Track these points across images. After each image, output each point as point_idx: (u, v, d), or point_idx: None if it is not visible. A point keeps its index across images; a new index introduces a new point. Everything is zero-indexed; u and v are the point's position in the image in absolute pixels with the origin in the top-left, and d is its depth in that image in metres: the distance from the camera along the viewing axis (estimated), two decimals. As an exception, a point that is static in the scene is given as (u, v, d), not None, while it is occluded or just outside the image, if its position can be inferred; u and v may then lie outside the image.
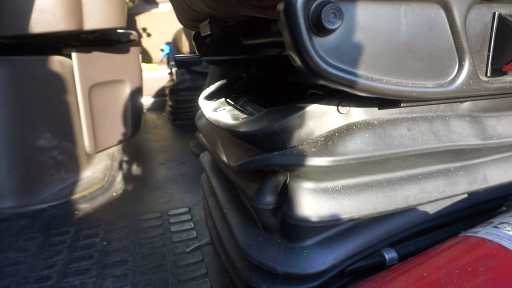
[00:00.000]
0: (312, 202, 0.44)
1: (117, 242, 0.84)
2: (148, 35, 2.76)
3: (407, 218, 0.53)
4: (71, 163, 1.17)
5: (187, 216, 0.95)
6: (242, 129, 0.48)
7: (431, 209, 0.56)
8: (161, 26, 2.74)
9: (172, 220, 0.93)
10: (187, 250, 0.79)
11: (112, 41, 1.35)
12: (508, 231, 0.46)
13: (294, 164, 0.42)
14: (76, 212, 1.01)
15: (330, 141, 0.43)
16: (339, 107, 0.44)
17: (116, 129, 1.39)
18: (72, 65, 1.17)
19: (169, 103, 2.21)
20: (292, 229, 0.47)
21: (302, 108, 0.44)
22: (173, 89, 2.07)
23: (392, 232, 0.52)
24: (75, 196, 1.08)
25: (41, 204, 1.02)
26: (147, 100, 2.61)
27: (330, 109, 0.44)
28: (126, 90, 1.41)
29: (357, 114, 0.45)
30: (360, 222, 0.50)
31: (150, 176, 1.27)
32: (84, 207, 1.04)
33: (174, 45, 2.23)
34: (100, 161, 1.34)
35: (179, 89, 2.05)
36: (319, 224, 0.44)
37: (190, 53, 2.00)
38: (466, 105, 0.50)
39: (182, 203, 1.03)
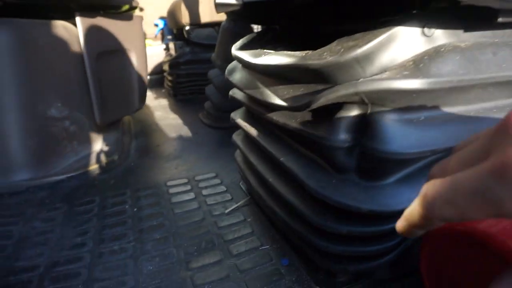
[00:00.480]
0: (398, 134, 0.41)
1: (148, 208, 0.80)
2: (140, 9, 2.65)
3: None
4: (82, 134, 1.11)
5: (217, 181, 0.91)
6: (313, 62, 0.45)
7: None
8: (154, 0, 2.63)
9: (201, 184, 0.90)
10: (226, 211, 0.76)
11: (114, 6, 1.27)
12: None
13: (387, 90, 0.38)
14: (96, 183, 0.96)
15: (421, 63, 0.39)
16: (425, 29, 0.41)
17: (124, 100, 1.32)
18: (77, 32, 1.10)
19: (169, 78, 2.14)
20: (373, 166, 0.44)
21: (382, 32, 0.40)
22: (173, 63, 2.00)
23: None
24: (92, 167, 1.03)
25: (58, 176, 0.97)
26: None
27: (414, 32, 0.41)
28: (132, 59, 1.35)
29: (442, 37, 0.42)
30: (437, 158, 0.48)
31: (165, 147, 1.22)
32: (104, 177, 0.99)
33: (170, 18, 2.14)
34: (110, 134, 1.28)
35: (180, 62, 1.97)
36: (406, 157, 0.41)
37: (191, 25, 1.92)
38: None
39: (207, 169, 0.99)
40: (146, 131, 1.43)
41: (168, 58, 2.10)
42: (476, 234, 0.36)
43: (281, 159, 0.55)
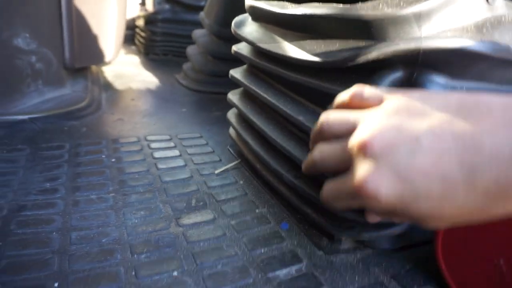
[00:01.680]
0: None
1: (128, 160, 0.73)
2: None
3: None
4: (49, 74, 0.99)
5: (202, 141, 0.86)
6: (367, 12, 0.41)
7: None
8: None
9: (185, 143, 0.84)
10: (216, 172, 0.71)
11: None
12: None
13: (453, 50, 0.36)
14: (66, 129, 0.86)
15: (484, 29, 0.37)
16: (489, -3, 0.39)
17: (98, 47, 1.20)
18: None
19: (142, 34, 1.99)
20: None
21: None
22: (150, 18, 1.86)
23: None
24: (59, 111, 0.92)
25: (18, 115, 0.86)
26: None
27: (475, -2, 0.39)
28: (113, 5, 1.22)
29: (503, 7, 0.40)
30: None
31: (141, 103, 1.13)
32: (74, 124, 0.89)
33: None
34: (79, 80, 1.16)
35: (158, 19, 1.84)
36: None
37: (173, -21, 1.79)
38: None
39: (189, 129, 0.93)
40: (118, 85, 1.32)
41: (144, 13, 1.95)
42: None
43: (300, 117, 0.51)
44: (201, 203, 0.60)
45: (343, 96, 0.35)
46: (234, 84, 0.74)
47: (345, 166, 0.30)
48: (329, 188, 0.33)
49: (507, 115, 0.25)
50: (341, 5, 0.46)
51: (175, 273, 0.45)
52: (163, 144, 0.82)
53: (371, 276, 0.46)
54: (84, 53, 1.15)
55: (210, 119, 1.01)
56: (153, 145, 0.81)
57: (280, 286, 0.44)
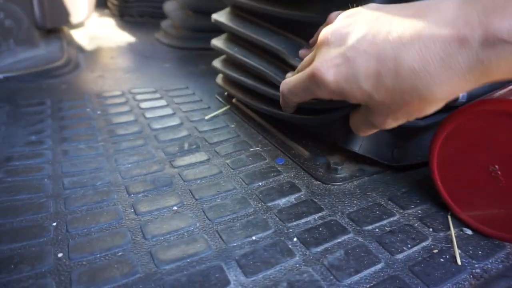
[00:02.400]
0: None
1: (114, 112, 0.71)
2: None
3: None
4: (20, 34, 0.93)
5: (189, 91, 0.83)
6: None
7: None
8: None
9: (172, 94, 0.81)
10: (206, 117, 0.70)
11: None
12: None
13: None
14: (44, 86, 0.82)
15: None
16: None
17: (70, 6, 1.13)
18: None
19: (115, -4, 1.89)
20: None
21: None
22: (122, -24, 1.75)
23: None
24: (35, 69, 0.88)
25: (-8, 75, 0.81)
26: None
27: None
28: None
29: None
30: None
31: (121, 60, 1.09)
32: (52, 82, 0.85)
33: None
34: (53, 41, 1.10)
35: (130, -23, 1.74)
36: None
37: None
38: None
39: (174, 82, 0.90)
40: (94, 45, 1.26)
41: (115, -29, 1.84)
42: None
43: (281, 47, 0.49)
44: (194, 146, 0.59)
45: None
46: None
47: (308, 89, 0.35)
48: (286, 83, 0.39)
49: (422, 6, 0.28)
50: None
51: (175, 208, 0.44)
52: (148, 96, 0.79)
53: (369, 199, 0.47)
54: (55, 13, 1.09)
55: (195, 73, 0.98)
56: (139, 97, 0.78)
57: (281, 213, 0.44)
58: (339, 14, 0.36)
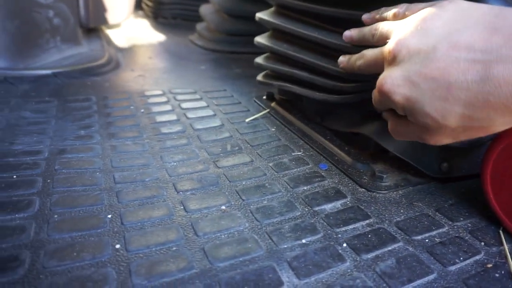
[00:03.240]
0: None
1: (157, 110, 0.73)
2: None
3: None
4: (67, 31, 0.97)
5: (227, 94, 0.85)
6: None
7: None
8: None
9: (210, 95, 0.83)
10: (247, 120, 0.71)
11: None
12: None
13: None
14: (89, 83, 0.85)
15: None
16: None
17: (112, 7, 1.17)
18: None
19: (149, -3, 1.94)
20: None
21: None
22: (158, -21, 1.80)
23: None
24: (80, 67, 0.91)
25: (41, 70, 0.85)
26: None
27: None
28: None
29: None
30: None
31: (159, 60, 1.12)
32: (96, 79, 0.88)
33: None
34: (94, 39, 1.14)
35: (166, -20, 1.78)
36: None
37: None
38: None
39: (213, 84, 0.92)
40: (132, 45, 1.29)
41: (151, -26, 1.89)
42: None
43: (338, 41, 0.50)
44: (237, 148, 0.60)
45: (388, 12, 0.40)
46: (252, 43, 0.72)
47: (376, 67, 0.37)
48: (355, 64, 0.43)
49: None
50: None
51: (223, 207, 0.45)
52: (188, 97, 0.81)
53: (416, 209, 0.47)
54: (98, 12, 1.13)
55: (231, 76, 0.99)
56: (179, 97, 0.80)
57: (328, 218, 0.44)
58: (404, 7, 0.37)
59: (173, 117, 0.70)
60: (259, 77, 0.75)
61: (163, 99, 0.79)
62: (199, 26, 1.42)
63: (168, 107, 0.74)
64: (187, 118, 0.70)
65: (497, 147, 0.41)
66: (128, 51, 1.20)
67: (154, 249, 0.37)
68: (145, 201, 0.45)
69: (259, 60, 0.73)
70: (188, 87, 0.87)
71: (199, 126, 0.67)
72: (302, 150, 0.60)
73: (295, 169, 0.54)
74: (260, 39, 0.71)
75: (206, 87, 0.89)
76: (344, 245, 0.40)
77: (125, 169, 0.52)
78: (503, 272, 0.37)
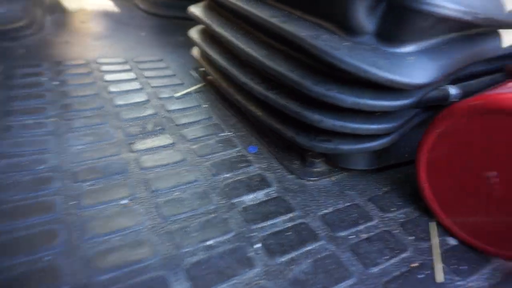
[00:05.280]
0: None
1: (74, 83, 0.63)
2: None
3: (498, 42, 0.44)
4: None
5: (163, 64, 0.76)
6: None
7: None
8: None
9: (143, 66, 0.74)
10: (176, 95, 0.63)
11: None
12: None
13: None
14: (0, 49, 0.74)
15: None
16: None
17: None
18: None
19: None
20: (399, 26, 0.35)
21: None
22: None
23: (480, 58, 0.43)
24: (-9, 31, 0.79)
25: None
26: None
27: None
28: None
29: None
30: (456, 40, 0.40)
31: (93, 25, 0.99)
32: (9, 45, 0.76)
33: None
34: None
35: None
36: (445, 14, 0.32)
37: None
38: None
39: (149, 53, 0.82)
40: (65, 7, 1.15)
41: None
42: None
43: (273, 20, 0.42)
44: (159, 127, 0.53)
45: None
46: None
47: None
48: None
49: None
50: None
51: (123, 201, 0.38)
52: (116, 67, 0.72)
53: (347, 199, 0.42)
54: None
55: (173, 44, 0.90)
56: (105, 67, 0.71)
57: (246, 211, 0.39)
58: None
59: (91, 91, 0.61)
60: (194, 52, 0.67)
61: (85, 69, 0.69)
62: (144, -13, 1.28)
63: (88, 80, 0.65)
64: (108, 92, 0.61)
65: (432, 132, 0.36)
66: (60, 14, 1.06)
67: (18, 262, 0.31)
68: (28, 195, 0.38)
69: (193, 33, 0.65)
70: (119, 56, 0.78)
71: (120, 102, 0.59)
72: (233, 130, 0.54)
73: (221, 153, 0.48)
74: (194, 9, 0.62)
75: (141, 56, 0.79)
76: (258, 245, 0.35)
77: (16, 155, 0.44)
78: (428, 272, 0.33)
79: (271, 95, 0.44)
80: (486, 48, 0.43)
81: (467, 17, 0.34)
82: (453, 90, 0.42)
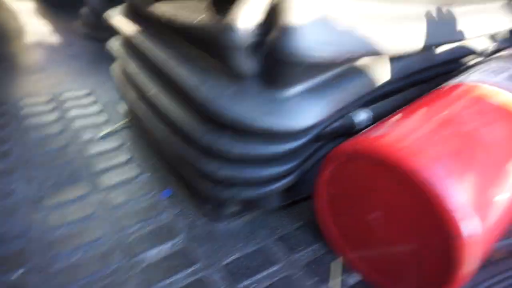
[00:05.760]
0: (314, 27, 0.31)
1: (-10, 132, 0.61)
2: None
3: (386, 73, 0.45)
4: None
5: (91, 99, 0.74)
6: None
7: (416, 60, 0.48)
8: None
9: (69, 104, 0.71)
10: (99, 135, 0.61)
11: None
12: (494, 75, 0.42)
13: None
14: None
15: None
16: None
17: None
18: None
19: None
20: (279, 69, 0.34)
21: None
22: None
23: (373, 86, 0.43)
24: None
25: None
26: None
27: None
28: None
29: None
30: (344, 73, 0.39)
31: (24, 57, 0.96)
32: None
33: None
34: None
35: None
36: (321, 58, 0.32)
37: None
38: None
39: (79, 85, 0.80)
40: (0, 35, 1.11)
41: None
42: (377, 153, 0.30)
43: (169, 62, 0.41)
44: (73, 176, 0.51)
45: None
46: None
47: None
48: None
49: None
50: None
51: (15, 275, 0.37)
52: (39, 109, 0.69)
53: (257, 240, 0.42)
54: None
55: (108, 71, 0.87)
56: (28, 110, 0.68)
57: (148, 268, 0.38)
58: None
59: (8, 138, 0.59)
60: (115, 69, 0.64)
61: (4, 113, 0.66)
62: (83, 10, 1.24)
63: (7, 126, 0.63)
64: (28, 138, 0.59)
65: (324, 173, 0.36)
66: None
67: None
68: None
69: (113, 44, 0.62)
70: (46, 94, 0.75)
71: (38, 150, 0.57)
72: (151, 171, 0.53)
73: (135, 200, 0.47)
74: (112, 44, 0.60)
75: (70, 91, 0.77)
76: (151, 310, 0.34)
77: None
78: (322, 320, 0.33)
79: (172, 141, 0.43)
80: (380, 74, 0.42)
81: (337, 58, 0.33)
82: (360, 117, 0.42)
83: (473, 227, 0.27)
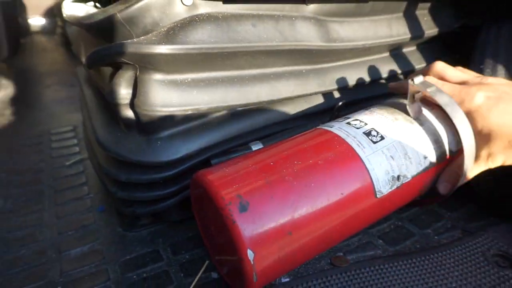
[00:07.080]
0: (160, 93, 0.46)
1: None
2: None
3: (261, 118, 0.57)
4: None
5: (71, 134, 0.92)
6: (87, 21, 0.47)
7: (288, 109, 0.60)
8: None
9: (53, 138, 0.89)
10: (67, 163, 0.78)
11: None
12: (356, 125, 0.47)
13: (134, 53, 0.42)
14: None
15: (172, 31, 0.44)
16: (183, -1, 0.45)
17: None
18: None
19: (60, 23, 1.97)
20: (144, 121, 0.48)
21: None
22: (63, 6, 1.83)
23: (245, 130, 0.56)
24: None
25: None
26: (35, 21, 2.29)
27: (174, 0, 0.44)
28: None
29: (202, 7, 0.46)
30: (216, 118, 0.53)
31: (33, 98, 1.17)
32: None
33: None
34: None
35: (70, 6, 1.82)
36: (167, 113, 0.46)
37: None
38: (312, 7, 0.54)
39: (67, 122, 0.98)
40: (18, 79, 1.34)
41: None
42: (200, 181, 0.42)
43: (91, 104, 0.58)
44: (37, 195, 0.67)
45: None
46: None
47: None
48: None
49: None
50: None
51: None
52: (30, 141, 0.87)
53: (150, 246, 0.55)
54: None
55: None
56: (19, 144, 0.86)
57: (69, 261, 0.52)
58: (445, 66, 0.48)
59: (-2, 166, 0.76)
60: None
61: None
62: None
63: None
64: (10, 167, 0.76)
65: (191, 192, 0.49)
66: (6, 87, 1.25)
67: None
68: None
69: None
70: (37, 130, 0.93)
71: (18, 177, 0.73)
72: (93, 189, 0.68)
73: (73, 215, 0.62)
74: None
75: (58, 126, 0.95)
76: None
77: None
78: (173, 301, 0.46)
79: (97, 170, 0.58)
80: (259, 120, 0.55)
81: (190, 111, 0.47)
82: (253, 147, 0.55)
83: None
